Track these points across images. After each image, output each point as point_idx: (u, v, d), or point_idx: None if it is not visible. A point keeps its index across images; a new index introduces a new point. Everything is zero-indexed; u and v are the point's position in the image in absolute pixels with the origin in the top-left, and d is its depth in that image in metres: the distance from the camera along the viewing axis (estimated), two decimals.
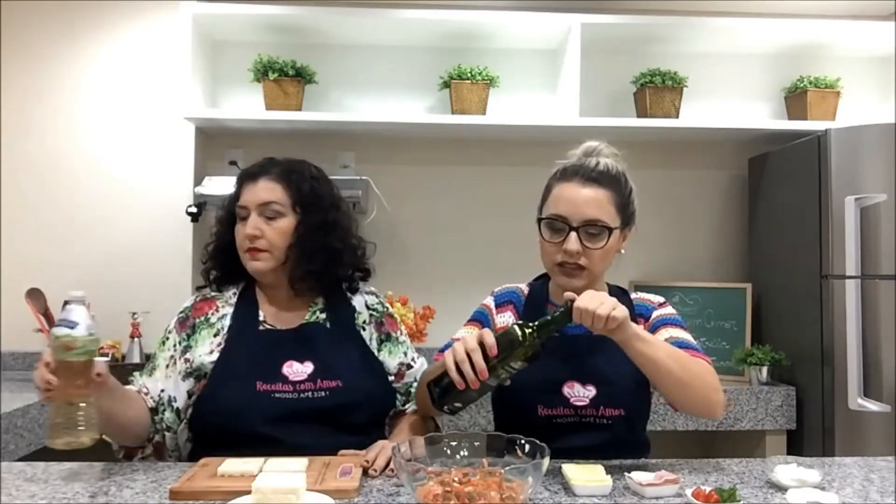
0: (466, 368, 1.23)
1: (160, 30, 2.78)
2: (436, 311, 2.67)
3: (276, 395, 1.43)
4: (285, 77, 2.65)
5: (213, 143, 2.90)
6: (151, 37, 2.79)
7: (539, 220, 1.48)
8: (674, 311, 1.56)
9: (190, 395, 1.49)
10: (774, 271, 2.76)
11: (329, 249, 1.54)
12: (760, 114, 2.99)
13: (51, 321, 2.45)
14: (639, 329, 1.33)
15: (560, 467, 1.27)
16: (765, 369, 2.56)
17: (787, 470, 1.27)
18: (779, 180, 2.75)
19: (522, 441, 1.23)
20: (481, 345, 1.24)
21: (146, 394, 1.48)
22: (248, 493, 1.10)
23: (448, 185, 2.97)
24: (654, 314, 1.54)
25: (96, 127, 2.77)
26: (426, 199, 2.96)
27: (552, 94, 2.91)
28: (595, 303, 1.26)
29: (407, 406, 1.62)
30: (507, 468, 1.13)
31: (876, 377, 2.34)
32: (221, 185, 2.58)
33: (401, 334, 1.67)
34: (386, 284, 2.79)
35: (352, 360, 1.52)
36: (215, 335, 1.52)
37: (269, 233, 1.50)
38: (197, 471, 1.27)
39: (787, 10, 2.93)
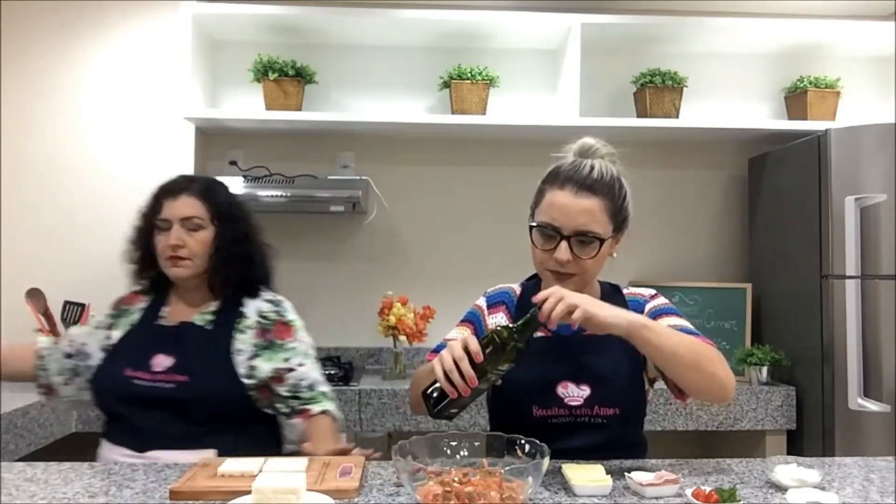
0: (456, 378, 1.23)
1: (160, 30, 2.78)
2: (436, 311, 2.67)
3: (136, 381, 1.60)
4: (285, 77, 2.65)
5: (213, 143, 2.90)
6: (151, 37, 2.79)
7: (531, 227, 1.47)
8: (666, 300, 1.56)
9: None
10: (774, 271, 2.77)
11: (244, 256, 1.73)
12: (760, 114, 2.99)
13: (51, 321, 2.45)
14: (641, 318, 1.31)
15: (560, 467, 1.27)
16: (765, 369, 2.57)
17: (787, 470, 1.27)
18: (779, 180, 2.75)
19: (522, 441, 1.23)
20: (467, 351, 1.24)
21: (70, 342, 1.74)
22: (248, 493, 1.10)
23: (448, 185, 2.97)
24: (648, 307, 1.53)
25: (96, 127, 2.77)
26: (426, 199, 2.96)
27: (552, 94, 2.91)
28: (549, 305, 1.27)
29: (311, 406, 1.65)
30: (507, 468, 1.13)
31: (876, 377, 2.34)
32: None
33: (292, 342, 1.71)
34: (386, 284, 2.80)
35: (207, 361, 1.63)
36: (129, 324, 1.73)
37: (190, 243, 1.67)
38: (197, 471, 1.27)
39: (787, 10, 2.93)
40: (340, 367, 2.60)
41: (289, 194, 2.61)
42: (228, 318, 1.70)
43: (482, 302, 1.60)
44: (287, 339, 1.71)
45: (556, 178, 1.44)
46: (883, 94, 2.99)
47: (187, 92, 2.60)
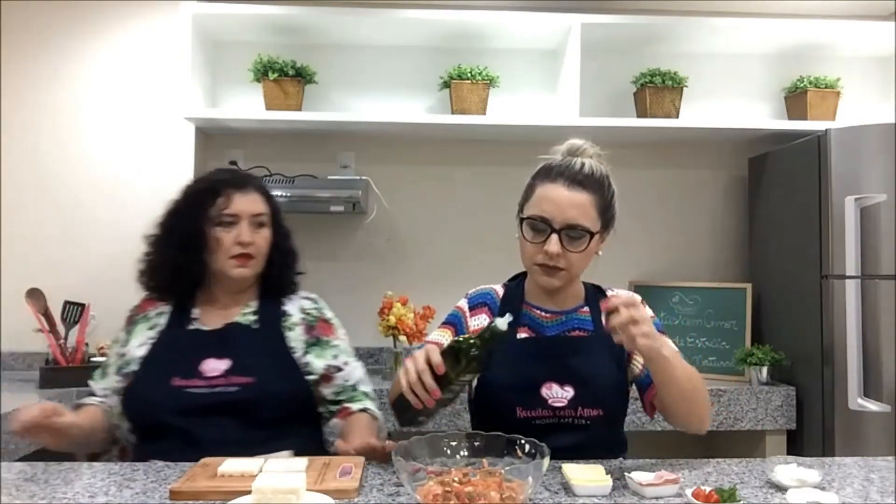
0: (419, 390, 1.25)
1: (160, 30, 2.78)
2: (436, 311, 2.67)
3: (190, 389, 1.50)
4: (285, 77, 2.65)
5: (213, 143, 2.90)
6: (151, 37, 2.79)
7: (521, 219, 1.48)
8: (651, 312, 1.56)
9: (118, 388, 1.57)
10: (774, 271, 2.76)
11: (293, 254, 1.71)
12: (760, 114, 2.99)
13: (51, 321, 2.45)
14: (664, 347, 1.33)
15: (560, 467, 1.28)
16: (765, 369, 2.56)
17: (787, 470, 1.27)
18: (779, 180, 2.75)
19: (522, 441, 1.23)
20: (431, 363, 1.25)
21: (106, 397, 1.59)
22: (248, 493, 1.10)
23: (448, 185, 2.96)
24: None
25: (96, 127, 2.77)
26: (426, 199, 2.96)
27: (552, 94, 2.91)
28: (626, 317, 1.27)
29: (351, 404, 1.64)
30: (507, 468, 1.13)
31: (876, 377, 2.34)
32: None
33: (334, 339, 1.70)
34: (386, 284, 2.80)
35: (268, 360, 1.57)
36: (150, 329, 1.62)
37: (258, 241, 1.61)
38: (197, 471, 1.27)
39: (787, 10, 2.93)
40: None
41: (289, 194, 2.61)
42: (272, 316, 1.65)
43: (464, 304, 1.61)
44: (331, 336, 1.69)
45: (548, 174, 1.46)
46: (883, 94, 2.99)
47: (187, 92, 2.60)
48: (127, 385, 1.55)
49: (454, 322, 1.59)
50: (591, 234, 1.43)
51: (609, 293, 1.57)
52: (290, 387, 1.56)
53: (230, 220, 1.58)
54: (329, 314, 1.75)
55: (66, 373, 2.36)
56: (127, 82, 2.78)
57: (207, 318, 1.63)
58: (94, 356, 2.48)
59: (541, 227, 1.43)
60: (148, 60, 2.79)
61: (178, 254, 1.60)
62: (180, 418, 1.47)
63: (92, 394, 1.64)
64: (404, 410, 1.31)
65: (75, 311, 2.52)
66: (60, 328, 2.48)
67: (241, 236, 1.58)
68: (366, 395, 1.67)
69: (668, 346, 1.36)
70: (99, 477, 1.29)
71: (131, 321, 1.66)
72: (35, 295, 2.45)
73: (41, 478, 1.29)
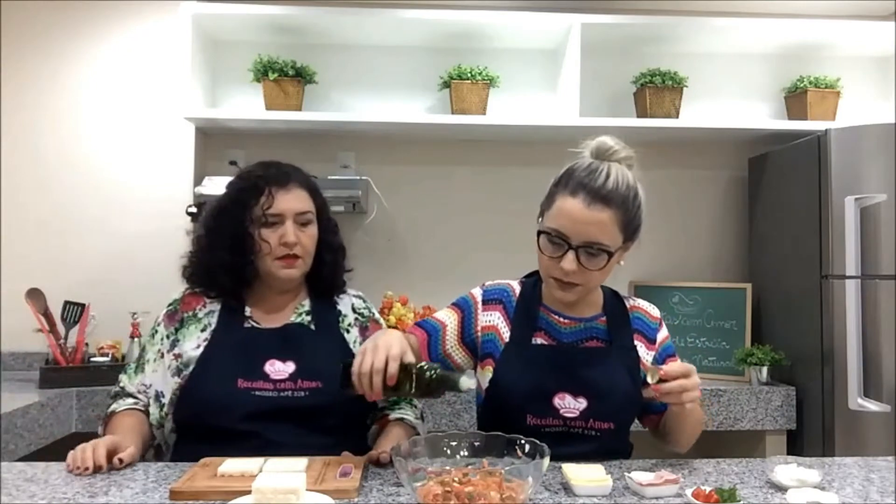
0: (365, 382, 1.26)
1: (160, 30, 2.78)
2: (435, 312, 2.66)
3: (257, 392, 1.45)
4: (285, 77, 2.65)
5: (213, 143, 2.90)
6: (151, 37, 2.79)
7: (538, 232, 1.41)
8: (667, 331, 1.57)
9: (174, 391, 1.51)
10: (774, 271, 2.76)
11: (341, 250, 1.65)
12: (760, 114, 2.99)
13: (51, 321, 2.45)
14: (696, 406, 1.41)
15: (560, 467, 1.27)
16: (765, 369, 2.56)
17: (787, 470, 1.27)
18: (779, 180, 2.75)
19: (522, 441, 1.23)
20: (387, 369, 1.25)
21: (144, 392, 1.54)
22: (248, 493, 1.10)
23: (448, 185, 2.96)
24: (658, 339, 1.53)
25: (96, 127, 2.77)
26: (426, 199, 2.96)
27: (552, 94, 2.91)
28: (678, 386, 1.31)
29: (390, 412, 1.61)
30: (507, 468, 1.13)
31: (876, 377, 2.34)
32: (221, 186, 2.54)
33: None
34: (386, 284, 2.80)
35: (333, 364, 1.49)
36: (202, 330, 1.55)
37: (303, 239, 1.54)
38: (197, 471, 1.27)
39: (787, 10, 2.93)
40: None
41: None
42: (327, 316, 1.60)
43: (478, 294, 1.55)
44: None
45: (569, 184, 1.37)
46: (883, 94, 2.99)
47: (187, 92, 2.60)
48: (183, 385, 1.48)
49: (463, 308, 1.54)
50: (610, 254, 1.37)
51: (629, 304, 1.54)
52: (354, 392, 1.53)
53: (274, 220, 1.52)
54: (377, 314, 1.71)
55: (66, 373, 2.36)
56: (127, 82, 2.78)
57: (261, 318, 1.57)
58: (94, 356, 2.48)
59: (558, 242, 1.36)
60: (148, 60, 2.79)
61: (227, 255, 1.54)
62: (247, 422, 1.42)
63: (121, 393, 1.57)
64: (346, 380, 1.30)
65: (75, 311, 2.52)
66: (60, 328, 2.48)
67: (286, 237, 1.51)
68: (409, 402, 1.64)
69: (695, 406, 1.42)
70: (99, 477, 1.29)
71: (178, 319, 1.57)
72: (35, 295, 2.44)
73: (41, 478, 1.29)
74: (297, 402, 1.45)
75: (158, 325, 1.59)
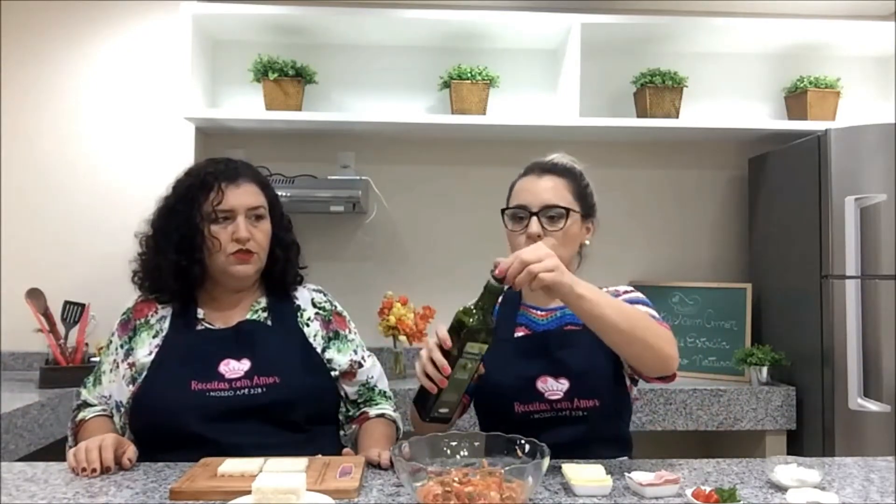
0: (431, 370, 1.25)
1: (160, 30, 2.78)
2: (436, 311, 2.67)
3: (212, 393, 1.42)
4: (285, 77, 2.65)
5: (213, 143, 2.90)
6: (151, 37, 2.79)
7: (503, 212, 1.55)
8: (640, 294, 1.56)
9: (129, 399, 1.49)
10: (774, 271, 2.76)
11: (294, 246, 1.63)
12: (760, 114, 2.99)
13: (51, 321, 2.45)
14: (580, 288, 1.28)
15: (560, 467, 1.28)
16: (765, 369, 2.56)
17: (787, 470, 1.27)
18: (779, 180, 2.75)
19: (522, 441, 1.23)
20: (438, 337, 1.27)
21: (105, 403, 1.54)
22: (248, 493, 1.10)
23: (448, 185, 2.96)
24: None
25: (96, 127, 2.77)
26: (426, 199, 2.96)
27: (552, 94, 2.91)
28: (533, 256, 1.25)
29: (369, 409, 1.61)
30: (507, 468, 1.13)
31: (876, 377, 2.34)
32: None
33: (350, 332, 1.66)
34: (386, 284, 2.80)
35: (291, 357, 1.50)
36: (154, 336, 1.52)
37: (256, 235, 1.52)
38: (197, 471, 1.27)
39: (787, 10, 2.93)
40: None
41: (289, 194, 2.61)
42: (285, 311, 1.57)
43: None
44: (346, 330, 1.64)
45: (522, 172, 1.58)
46: (883, 94, 2.99)
47: (187, 92, 2.60)
48: (136, 393, 1.46)
49: None
50: (569, 212, 1.48)
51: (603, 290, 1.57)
52: (318, 384, 1.50)
53: (225, 216, 1.49)
54: (340, 307, 1.70)
55: (66, 373, 2.36)
56: (127, 82, 2.78)
57: (214, 318, 1.54)
58: (94, 356, 2.48)
59: (521, 214, 1.50)
60: (148, 60, 2.79)
61: (175, 255, 1.50)
62: (204, 424, 1.39)
63: (83, 406, 1.57)
64: (424, 402, 1.29)
65: (75, 311, 2.52)
66: (60, 328, 2.48)
67: (238, 232, 1.49)
68: (384, 395, 1.64)
69: (584, 285, 1.30)
70: (99, 477, 1.29)
71: (131, 328, 1.55)
72: (35, 295, 2.45)
73: (41, 478, 1.29)
74: (254, 400, 1.42)
75: (113, 335, 1.58)
